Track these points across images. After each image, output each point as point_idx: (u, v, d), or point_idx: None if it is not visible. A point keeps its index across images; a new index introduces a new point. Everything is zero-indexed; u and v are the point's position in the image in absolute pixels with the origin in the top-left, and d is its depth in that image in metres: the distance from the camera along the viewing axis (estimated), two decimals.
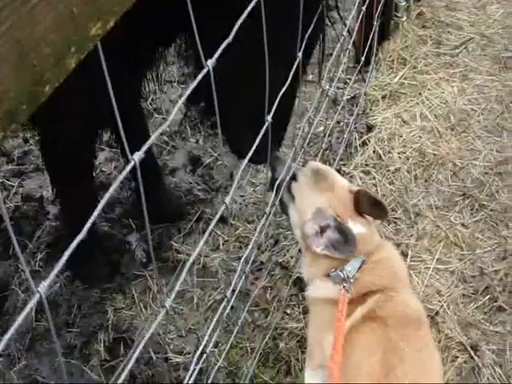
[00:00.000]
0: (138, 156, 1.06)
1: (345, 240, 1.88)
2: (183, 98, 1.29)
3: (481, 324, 2.66)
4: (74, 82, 2.21)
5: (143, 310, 2.85)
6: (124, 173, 1.07)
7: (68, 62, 0.77)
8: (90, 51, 0.82)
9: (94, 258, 2.95)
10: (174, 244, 3.08)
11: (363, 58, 3.48)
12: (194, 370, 2.27)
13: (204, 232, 3.12)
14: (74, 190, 2.73)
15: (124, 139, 1.08)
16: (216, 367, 2.25)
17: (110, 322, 2.81)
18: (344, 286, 1.89)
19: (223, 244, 3.07)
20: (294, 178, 2.12)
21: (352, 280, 1.92)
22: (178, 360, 2.68)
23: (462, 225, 3.00)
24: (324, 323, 2.05)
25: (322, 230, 1.94)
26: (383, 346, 1.82)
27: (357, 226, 1.97)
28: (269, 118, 1.75)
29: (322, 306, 2.06)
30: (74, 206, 2.78)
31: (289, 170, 2.13)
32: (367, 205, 1.97)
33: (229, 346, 2.34)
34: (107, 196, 1.03)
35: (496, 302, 2.72)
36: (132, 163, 1.06)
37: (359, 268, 1.95)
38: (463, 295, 2.75)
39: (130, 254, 3.07)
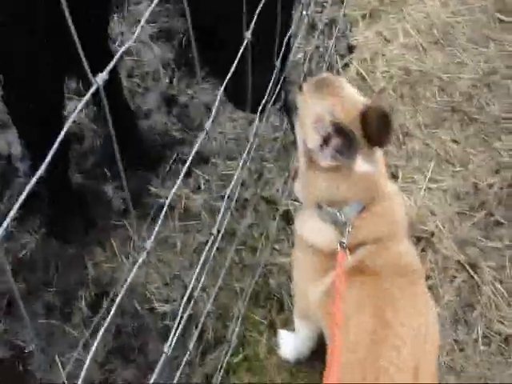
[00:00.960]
0: (101, 78, 0.97)
1: (349, 146, 1.69)
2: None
3: (478, 241, 2.65)
4: (36, 22, 2.07)
5: (125, 260, 2.75)
6: (87, 96, 0.96)
7: None
8: None
9: (69, 212, 2.84)
10: (153, 189, 2.96)
11: None
12: (182, 317, 2.17)
13: (184, 174, 3.00)
14: (44, 141, 2.60)
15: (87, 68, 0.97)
16: (204, 312, 2.12)
17: (90, 277, 2.71)
18: (342, 244, 1.75)
19: (204, 184, 2.96)
20: (300, 88, 1.95)
21: (349, 228, 1.78)
22: (164, 309, 2.60)
23: (453, 141, 2.96)
24: (309, 272, 1.97)
25: (326, 140, 1.74)
26: (376, 299, 1.75)
27: (364, 164, 1.78)
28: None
29: (311, 252, 1.94)
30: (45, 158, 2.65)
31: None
32: (374, 123, 1.73)
33: (217, 288, 2.22)
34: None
35: (492, 216, 2.72)
36: (95, 86, 0.97)
37: (359, 212, 1.82)
38: (458, 213, 2.72)
39: (107, 204, 2.96)
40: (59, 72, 2.46)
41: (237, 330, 2.42)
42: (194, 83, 3.35)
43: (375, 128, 1.72)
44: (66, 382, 2.44)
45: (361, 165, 1.76)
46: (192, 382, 2.39)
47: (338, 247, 1.75)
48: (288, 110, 2.03)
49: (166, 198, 2.81)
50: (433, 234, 2.61)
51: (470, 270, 2.56)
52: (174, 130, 3.19)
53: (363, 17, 3.54)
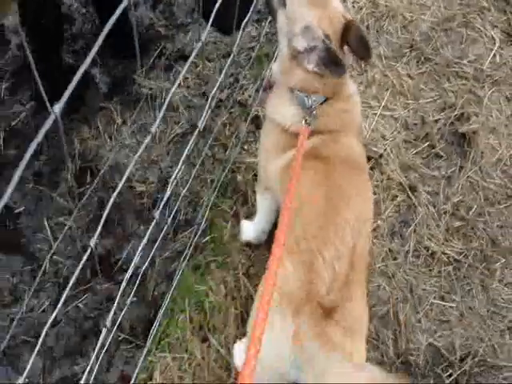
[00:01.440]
0: None
1: (334, 62, 1.91)
2: None
3: (419, 168, 2.92)
4: None
5: (108, 140, 3.00)
6: None
7: None
8: None
9: (59, 86, 3.01)
10: (137, 78, 3.17)
11: None
12: (161, 197, 2.47)
13: (166, 68, 3.23)
14: (40, 17, 2.74)
15: None
16: (181, 196, 2.41)
17: (76, 151, 2.95)
18: (306, 121, 1.98)
19: (184, 81, 3.17)
20: None
21: (314, 112, 2.00)
22: (141, 189, 2.88)
23: (408, 75, 3.16)
24: (273, 148, 2.19)
25: (311, 48, 1.95)
26: (327, 182, 1.95)
27: None
28: None
29: (276, 131, 2.14)
30: (39, 33, 2.79)
31: None
32: (354, 40, 1.97)
33: (192, 177, 2.48)
34: None
35: (434, 148, 2.98)
36: None
37: (321, 104, 2.03)
38: (405, 141, 2.99)
39: (94, 86, 3.16)
40: None
41: (206, 215, 2.72)
42: None
43: (356, 45, 1.99)
44: (52, 243, 2.77)
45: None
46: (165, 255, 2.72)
47: (303, 123, 1.97)
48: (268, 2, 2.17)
49: (149, 88, 3.13)
50: (381, 156, 2.88)
51: (410, 192, 2.84)
52: (159, 25, 3.35)
53: None
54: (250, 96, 3.09)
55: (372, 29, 3.31)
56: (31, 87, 3.09)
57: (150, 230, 1.71)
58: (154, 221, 1.73)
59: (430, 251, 2.74)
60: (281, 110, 2.12)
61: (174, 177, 2.08)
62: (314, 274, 1.77)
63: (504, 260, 2.75)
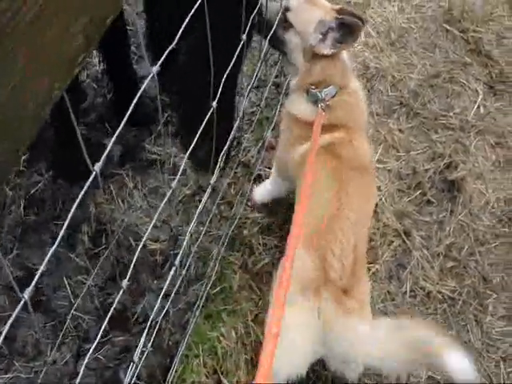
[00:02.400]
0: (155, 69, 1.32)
1: (351, 30, 2.30)
2: None
3: (412, 214, 3.09)
4: None
5: (121, 204, 3.18)
6: None
7: None
8: None
9: (74, 157, 3.23)
10: (146, 146, 3.39)
11: None
12: (172, 253, 2.65)
13: (173, 134, 3.45)
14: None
15: None
16: (192, 252, 2.65)
17: (92, 215, 3.13)
18: (321, 107, 2.33)
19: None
20: (287, 9, 2.45)
21: (328, 102, 2.36)
22: (154, 247, 3.04)
23: (399, 130, 3.36)
24: (293, 139, 2.53)
25: (324, 36, 2.34)
26: (339, 181, 2.27)
27: (345, 55, 2.47)
28: (214, 103, 1.78)
29: (294, 123, 2.51)
30: (57, 108, 3.01)
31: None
32: (348, 16, 2.33)
33: (202, 234, 2.69)
34: None
35: (425, 196, 3.15)
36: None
37: (333, 97, 2.40)
38: (398, 190, 3.17)
39: (106, 154, 3.35)
40: None
41: (215, 268, 2.90)
42: None
43: (350, 18, 2.31)
44: (72, 300, 2.94)
45: (343, 55, 2.44)
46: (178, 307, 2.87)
47: (319, 107, 2.33)
48: (273, 41, 2.48)
49: (157, 154, 3.34)
50: (377, 205, 3.04)
51: (404, 237, 3.00)
52: (164, 95, 3.60)
53: None
54: (252, 157, 3.29)
55: (364, 89, 3.41)
56: (48, 159, 3.30)
57: (167, 282, 1.86)
58: (171, 271, 1.87)
59: (425, 291, 2.88)
60: (298, 105, 2.49)
61: (187, 236, 2.27)
62: (328, 264, 2.09)
63: (496, 295, 2.90)
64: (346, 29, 2.30)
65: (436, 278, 2.92)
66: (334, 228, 2.16)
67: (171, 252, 3.04)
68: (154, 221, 1.63)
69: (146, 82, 1.29)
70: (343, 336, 2.06)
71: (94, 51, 3.26)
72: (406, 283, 2.90)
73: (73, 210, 1.08)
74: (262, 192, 3.06)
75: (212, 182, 2.19)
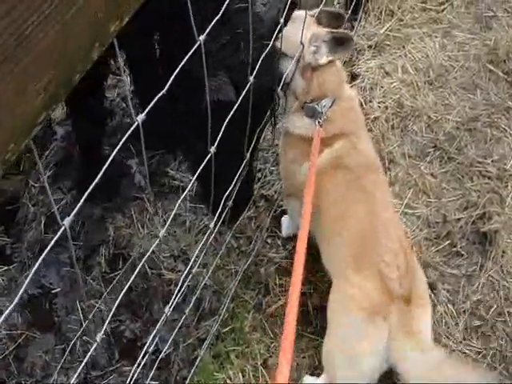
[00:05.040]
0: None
1: (342, 42, 2.34)
2: None
3: (439, 266, 2.95)
4: None
5: (140, 229, 3.12)
6: None
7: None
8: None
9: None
10: (170, 171, 3.33)
11: (352, 7, 3.71)
12: (184, 285, 2.59)
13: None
14: (85, 110, 2.90)
15: None
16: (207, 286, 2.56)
17: (110, 238, 3.09)
18: (319, 122, 2.32)
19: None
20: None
21: (325, 116, 2.36)
22: (170, 277, 2.98)
23: (431, 174, 3.22)
24: (294, 157, 2.54)
25: (317, 48, 2.36)
26: (359, 191, 2.33)
27: (338, 63, 2.51)
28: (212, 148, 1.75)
29: (295, 141, 2.51)
30: (83, 126, 3.00)
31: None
32: (326, 20, 2.44)
33: (218, 267, 2.67)
34: None
35: (455, 247, 3.00)
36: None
37: (330, 107, 2.40)
38: (426, 239, 3.03)
39: (129, 177, 3.32)
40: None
41: (228, 305, 2.82)
42: None
43: (328, 21, 2.45)
44: (83, 323, 2.89)
45: (337, 64, 2.48)
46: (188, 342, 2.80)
47: (316, 123, 2.33)
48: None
49: (180, 181, 3.27)
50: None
51: (429, 290, 2.74)
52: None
53: (369, 47, 3.74)
54: (275, 192, 3.21)
55: (397, 128, 3.40)
56: (72, 176, 3.26)
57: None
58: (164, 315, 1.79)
59: (448, 350, 2.73)
60: (298, 123, 2.48)
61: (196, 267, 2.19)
62: (385, 277, 2.13)
63: None
64: (338, 42, 2.33)
65: (460, 337, 2.78)
66: (377, 236, 2.22)
67: (186, 283, 2.97)
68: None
69: (129, 132, 1.21)
70: (404, 356, 2.10)
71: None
72: None
73: None
74: (285, 223, 3.04)
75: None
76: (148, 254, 1.59)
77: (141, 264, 1.63)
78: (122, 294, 1.45)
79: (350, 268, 2.23)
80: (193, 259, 2.65)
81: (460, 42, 3.79)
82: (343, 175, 2.35)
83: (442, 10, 3.94)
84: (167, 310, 1.99)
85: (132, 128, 1.22)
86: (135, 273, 1.55)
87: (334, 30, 2.35)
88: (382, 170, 2.58)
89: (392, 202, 2.50)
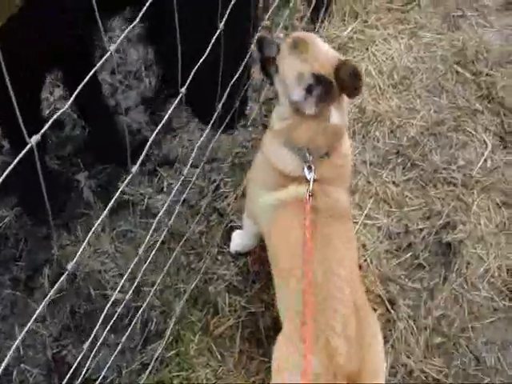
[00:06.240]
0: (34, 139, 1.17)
1: (329, 88, 2.03)
2: None
3: (400, 279, 2.79)
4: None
5: (87, 247, 2.95)
6: None
7: None
8: None
9: (42, 194, 3.05)
10: (120, 184, 3.15)
11: (313, 8, 3.58)
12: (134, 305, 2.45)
13: (150, 173, 3.23)
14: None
15: None
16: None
17: (54, 257, 2.93)
18: (309, 193, 2.06)
19: (167, 186, 3.16)
20: (278, 49, 2.24)
21: (313, 165, 2.11)
22: (115, 297, 2.80)
23: (393, 182, 3.07)
24: (263, 184, 2.31)
25: (308, 92, 2.06)
26: (318, 239, 2.00)
27: (334, 115, 2.14)
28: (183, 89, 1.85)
29: (272, 170, 2.24)
30: (21, 143, 2.85)
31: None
32: (346, 76, 2.05)
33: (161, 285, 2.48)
34: None
35: (417, 259, 2.85)
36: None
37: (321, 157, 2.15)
38: (386, 251, 2.87)
39: (77, 192, 3.16)
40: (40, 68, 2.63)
41: (173, 327, 2.67)
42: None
43: (348, 80, 2.05)
44: (21, 349, 2.73)
45: (334, 116, 2.13)
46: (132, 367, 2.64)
47: (307, 195, 2.06)
48: (266, 69, 2.33)
49: (130, 195, 3.12)
50: (360, 267, 2.73)
51: (388, 305, 2.69)
52: (147, 130, 3.37)
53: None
54: (228, 205, 3.05)
55: (358, 134, 3.25)
56: (16, 193, 3.11)
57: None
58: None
59: (407, 369, 2.57)
60: (280, 156, 2.21)
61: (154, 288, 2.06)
62: (333, 350, 1.83)
63: (488, 379, 2.57)
64: (328, 87, 2.04)
65: (420, 355, 2.60)
66: (328, 296, 1.94)
67: (133, 304, 2.81)
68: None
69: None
70: None
71: None
72: (386, 358, 2.51)
73: None
74: (236, 239, 2.86)
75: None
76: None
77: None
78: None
79: (294, 329, 1.94)
80: (139, 278, 2.53)
81: (427, 43, 3.63)
82: (303, 217, 2.04)
83: (408, 11, 3.79)
84: (107, 333, 1.85)
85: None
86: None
87: (319, 73, 2.05)
88: (351, 222, 2.38)
89: (356, 255, 2.19)
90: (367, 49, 3.58)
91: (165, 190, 3.16)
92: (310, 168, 2.11)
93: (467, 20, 3.78)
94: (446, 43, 3.63)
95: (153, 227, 2.29)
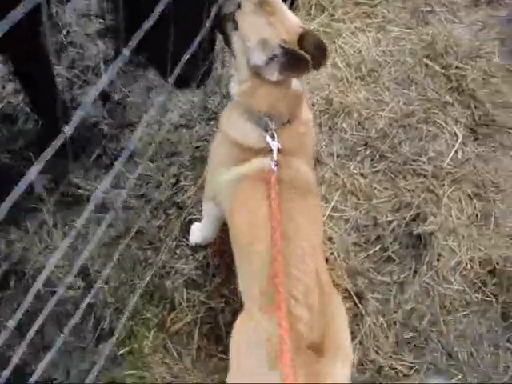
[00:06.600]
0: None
1: (297, 61, 1.90)
2: None
3: (368, 273, 2.68)
4: None
5: (37, 243, 2.80)
6: None
7: None
8: None
9: None
10: (75, 179, 3.01)
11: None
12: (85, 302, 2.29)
13: (106, 167, 3.08)
14: None
15: None
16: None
17: (1, 254, 2.76)
18: (274, 162, 1.93)
19: (124, 181, 3.00)
20: (238, 6, 2.09)
21: (275, 133, 1.98)
22: (66, 294, 2.65)
23: (361, 174, 2.96)
24: (223, 161, 2.16)
25: (271, 58, 1.94)
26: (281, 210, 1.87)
27: (297, 83, 2.06)
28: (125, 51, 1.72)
29: (232, 145, 2.11)
30: None
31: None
32: (311, 47, 1.94)
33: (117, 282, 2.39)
34: None
35: (386, 252, 2.75)
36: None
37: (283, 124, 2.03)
38: (354, 244, 2.76)
39: (28, 186, 2.99)
40: None
41: (127, 323, 2.51)
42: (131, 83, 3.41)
43: (312, 51, 1.91)
44: None
45: (295, 83, 2.02)
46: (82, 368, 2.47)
47: (272, 164, 1.94)
48: (222, 26, 2.17)
49: (86, 190, 2.96)
50: (327, 260, 2.62)
51: (356, 300, 2.58)
52: (105, 124, 3.23)
53: None
54: (188, 198, 2.90)
55: (325, 126, 3.12)
56: None
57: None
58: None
59: (376, 365, 2.45)
60: (240, 128, 2.08)
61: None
62: (294, 318, 1.71)
63: (461, 375, 2.44)
64: (294, 59, 1.91)
65: (390, 351, 2.48)
66: (287, 265, 1.80)
67: (86, 302, 2.63)
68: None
69: None
70: None
71: None
72: (354, 355, 2.42)
73: None
74: (195, 231, 2.71)
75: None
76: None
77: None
78: None
79: (255, 303, 1.84)
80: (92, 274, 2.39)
81: (395, 37, 3.54)
82: (267, 190, 1.93)
83: (376, 5, 3.70)
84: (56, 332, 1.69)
85: None
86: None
87: (288, 47, 1.92)
88: (318, 198, 2.25)
89: (320, 232, 2.08)
90: (334, 42, 3.48)
91: (122, 184, 2.99)
92: (272, 136, 1.99)
93: (436, 15, 3.71)
94: (415, 37, 3.54)
95: (107, 222, 2.14)
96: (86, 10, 3.66)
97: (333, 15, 3.61)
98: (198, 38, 2.35)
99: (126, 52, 1.82)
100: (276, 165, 1.94)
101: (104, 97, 3.36)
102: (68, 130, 1.04)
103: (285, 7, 2.08)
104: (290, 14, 2.07)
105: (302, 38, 1.96)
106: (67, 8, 3.62)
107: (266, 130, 2.01)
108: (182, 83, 2.39)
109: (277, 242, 1.73)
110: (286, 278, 1.77)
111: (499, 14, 3.78)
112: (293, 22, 2.03)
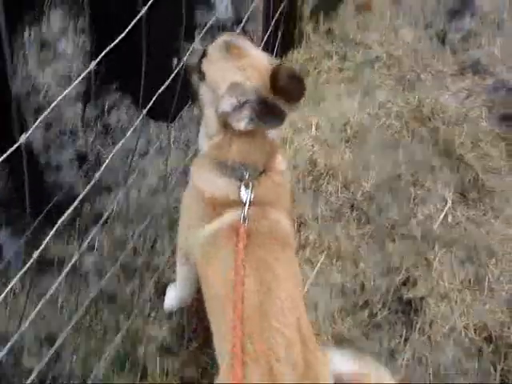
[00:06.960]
0: None
1: (271, 111, 1.78)
2: None
3: (356, 340, 2.54)
4: None
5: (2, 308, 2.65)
6: None
7: None
8: None
9: None
10: (46, 242, 2.88)
11: None
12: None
13: (81, 231, 2.95)
14: None
15: None
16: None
17: None
18: (243, 218, 1.83)
19: (98, 246, 2.89)
20: (204, 55, 2.00)
21: (251, 186, 1.88)
22: (31, 364, 2.47)
23: (347, 237, 2.86)
24: (196, 217, 2.03)
25: (242, 105, 1.82)
26: (256, 264, 1.80)
27: (271, 131, 1.92)
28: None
29: (202, 200, 1.98)
30: None
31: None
32: (285, 80, 1.79)
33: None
34: None
35: (374, 317, 2.61)
36: None
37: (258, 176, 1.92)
38: (341, 309, 2.63)
39: None
40: None
41: None
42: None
43: (288, 85, 1.79)
44: None
45: (272, 133, 1.92)
46: None
47: (241, 220, 1.83)
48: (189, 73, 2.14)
49: (58, 254, 2.83)
50: (312, 326, 2.48)
51: None
52: (80, 186, 3.12)
53: None
54: (167, 262, 2.76)
55: (309, 188, 3.04)
56: None
57: None
58: None
59: None
60: (213, 181, 1.96)
61: None
62: (275, 377, 1.63)
63: None
64: (268, 109, 1.79)
65: None
66: (267, 318, 1.71)
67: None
68: None
69: None
70: None
71: None
72: None
73: None
74: (170, 293, 2.55)
75: None
76: None
77: None
78: None
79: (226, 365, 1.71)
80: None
81: (381, 101, 3.50)
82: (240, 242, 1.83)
83: (361, 72, 3.67)
84: None
85: None
86: None
87: (263, 95, 1.81)
88: (294, 251, 2.08)
89: (299, 285, 1.99)
90: (318, 104, 3.45)
91: (96, 248, 2.86)
92: (247, 186, 1.88)
93: (422, 83, 3.69)
94: (401, 101, 3.49)
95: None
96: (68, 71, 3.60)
97: (317, 80, 3.60)
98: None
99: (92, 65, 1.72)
100: (245, 218, 1.83)
101: (80, 158, 3.27)
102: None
103: (251, 45, 2.00)
104: (257, 51, 2.00)
105: (274, 74, 1.82)
106: (48, 69, 3.57)
107: (241, 181, 1.90)
108: (156, 115, 2.31)
109: (238, 299, 1.65)
110: (266, 331, 1.69)
111: (486, 82, 3.75)
112: (262, 60, 1.94)
